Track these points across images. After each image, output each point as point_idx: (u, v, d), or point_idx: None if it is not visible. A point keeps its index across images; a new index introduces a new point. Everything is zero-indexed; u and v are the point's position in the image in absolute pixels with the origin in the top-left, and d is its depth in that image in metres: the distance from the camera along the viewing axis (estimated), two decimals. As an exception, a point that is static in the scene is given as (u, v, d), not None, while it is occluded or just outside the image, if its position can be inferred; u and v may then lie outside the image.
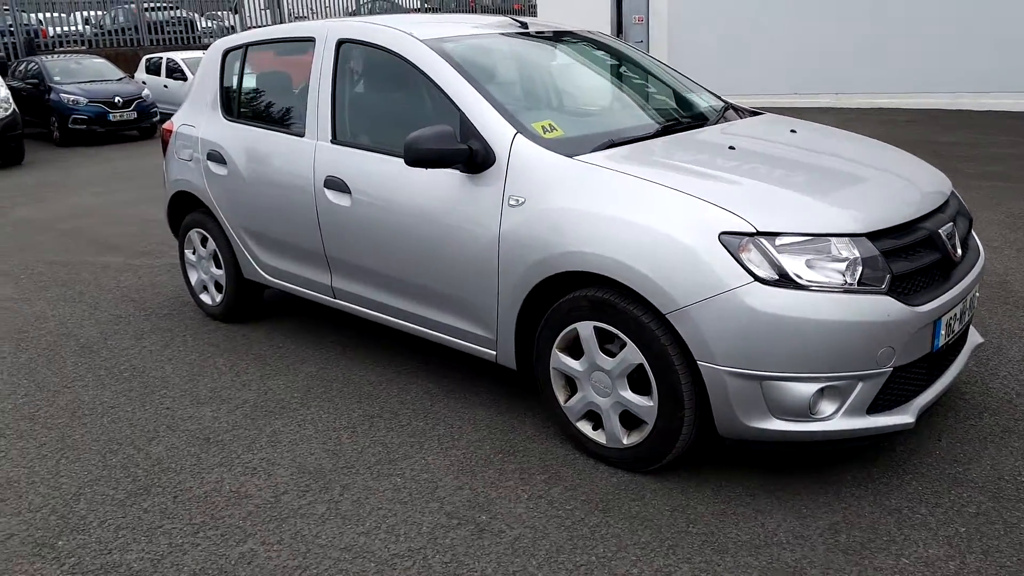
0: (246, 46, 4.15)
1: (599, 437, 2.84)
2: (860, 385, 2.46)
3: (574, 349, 2.84)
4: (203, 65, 4.40)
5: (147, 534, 2.56)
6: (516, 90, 3.34)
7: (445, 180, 3.08)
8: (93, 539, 2.55)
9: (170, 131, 4.56)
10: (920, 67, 12.67)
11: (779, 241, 2.41)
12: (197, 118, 4.35)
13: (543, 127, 2.98)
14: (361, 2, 22.66)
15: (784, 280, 2.38)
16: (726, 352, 2.41)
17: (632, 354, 2.62)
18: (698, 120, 3.40)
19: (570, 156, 2.82)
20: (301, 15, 20.78)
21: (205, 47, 17.22)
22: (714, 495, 2.64)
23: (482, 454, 2.96)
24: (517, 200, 2.85)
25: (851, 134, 3.50)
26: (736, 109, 3.71)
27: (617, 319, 2.63)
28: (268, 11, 20.28)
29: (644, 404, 2.65)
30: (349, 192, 3.43)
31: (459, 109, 3.05)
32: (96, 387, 3.72)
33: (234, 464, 2.98)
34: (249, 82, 4.11)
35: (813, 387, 2.42)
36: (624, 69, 3.73)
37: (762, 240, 2.41)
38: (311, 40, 3.72)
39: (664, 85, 3.77)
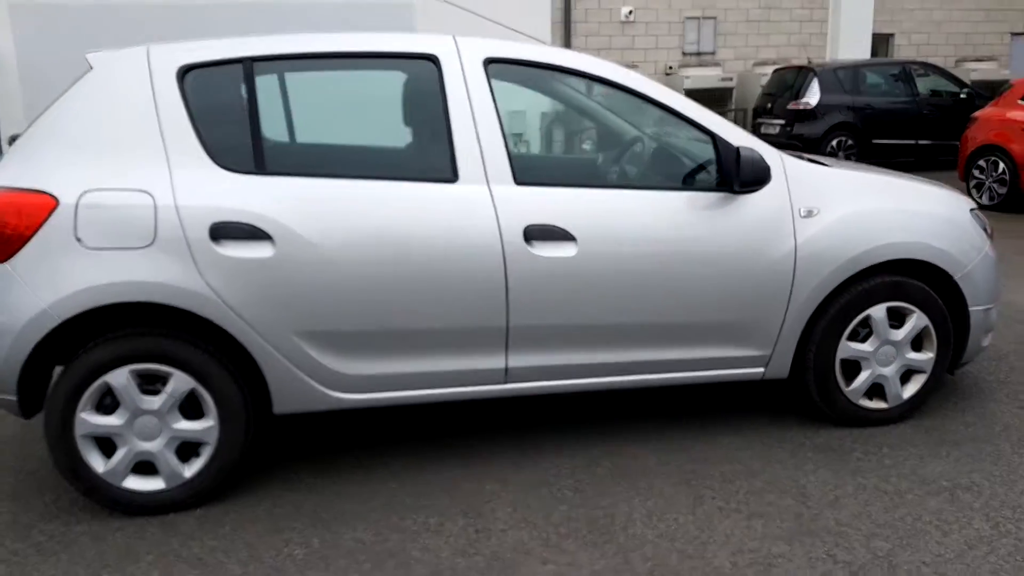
0: (248, 61, 2.68)
1: (879, 404, 3.29)
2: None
3: (851, 335, 3.21)
4: (115, 93, 2.59)
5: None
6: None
7: (697, 205, 2.98)
8: None
9: (47, 208, 2.53)
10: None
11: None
12: (145, 178, 2.57)
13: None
14: None
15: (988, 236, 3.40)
16: (983, 295, 3.29)
17: (919, 320, 3.21)
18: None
19: (831, 167, 3.17)
20: None
21: None
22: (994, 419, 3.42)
23: (838, 474, 2.94)
24: (810, 211, 3.04)
25: None
26: None
27: (906, 295, 3.18)
28: None
29: (925, 357, 3.26)
30: (573, 239, 2.83)
31: (715, 135, 2.98)
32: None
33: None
34: (278, 115, 2.71)
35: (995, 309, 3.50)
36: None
37: (977, 212, 3.36)
38: (427, 59, 2.80)
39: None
